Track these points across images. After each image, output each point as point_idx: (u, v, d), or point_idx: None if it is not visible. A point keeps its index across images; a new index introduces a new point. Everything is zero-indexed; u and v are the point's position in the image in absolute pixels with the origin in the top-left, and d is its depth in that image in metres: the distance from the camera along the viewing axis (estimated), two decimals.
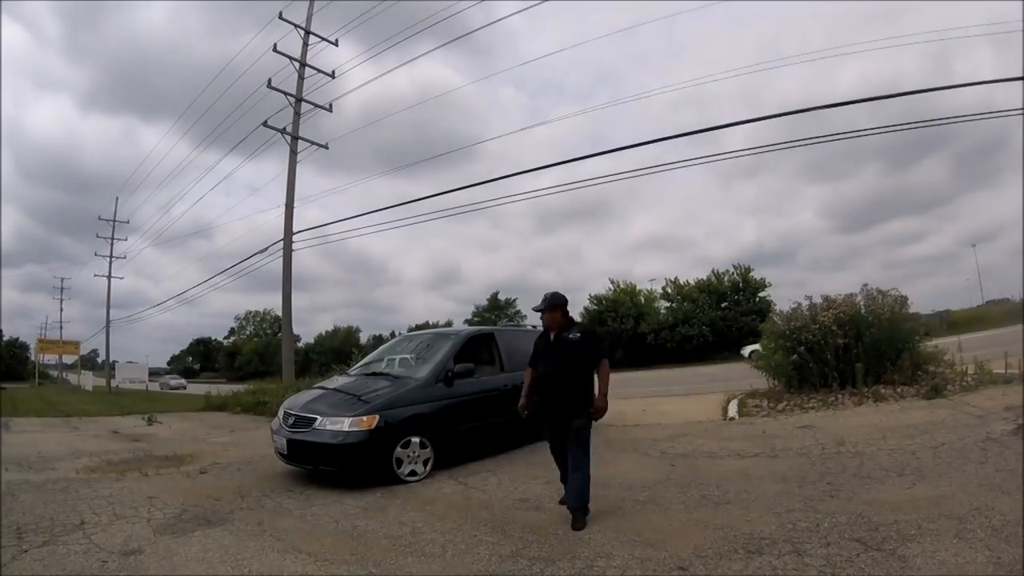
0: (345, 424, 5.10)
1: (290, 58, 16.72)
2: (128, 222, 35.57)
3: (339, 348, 47.45)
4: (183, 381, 43.53)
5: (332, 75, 17.57)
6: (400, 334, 16.62)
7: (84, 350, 49.95)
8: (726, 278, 36.11)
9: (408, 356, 6.88)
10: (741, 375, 10.16)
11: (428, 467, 5.36)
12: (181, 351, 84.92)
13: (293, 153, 16.79)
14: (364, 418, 5.12)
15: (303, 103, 16.94)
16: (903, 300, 8.44)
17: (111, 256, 35.05)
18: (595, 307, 37.63)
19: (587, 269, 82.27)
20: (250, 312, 73.86)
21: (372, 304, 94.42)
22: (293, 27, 16.82)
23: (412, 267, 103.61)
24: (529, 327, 8.61)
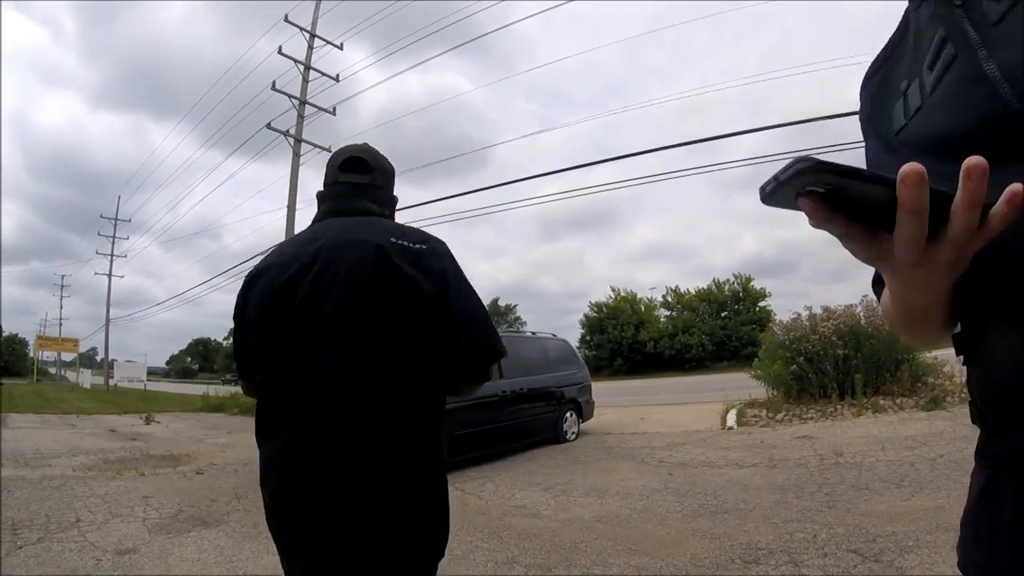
0: None
1: (294, 60, 16.81)
2: (130, 221, 35.73)
3: None
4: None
5: (336, 78, 17.66)
6: None
7: (83, 348, 50.07)
8: (726, 287, 36.15)
9: None
10: (740, 385, 10.14)
11: None
12: (180, 351, 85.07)
13: (296, 156, 16.86)
14: None
15: (307, 106, 17.03)
16: None
17: (112, 255, 35.14)
18: (595, 314, 37.65)
19: (589, 276, 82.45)
20: None
21: None
22: (299, 30, 16.93)
23: None
24: (528, 333, 8.63)
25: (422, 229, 1.20)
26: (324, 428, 1.05)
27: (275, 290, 1.11)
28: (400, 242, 1.11)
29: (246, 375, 1.23)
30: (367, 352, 1.07)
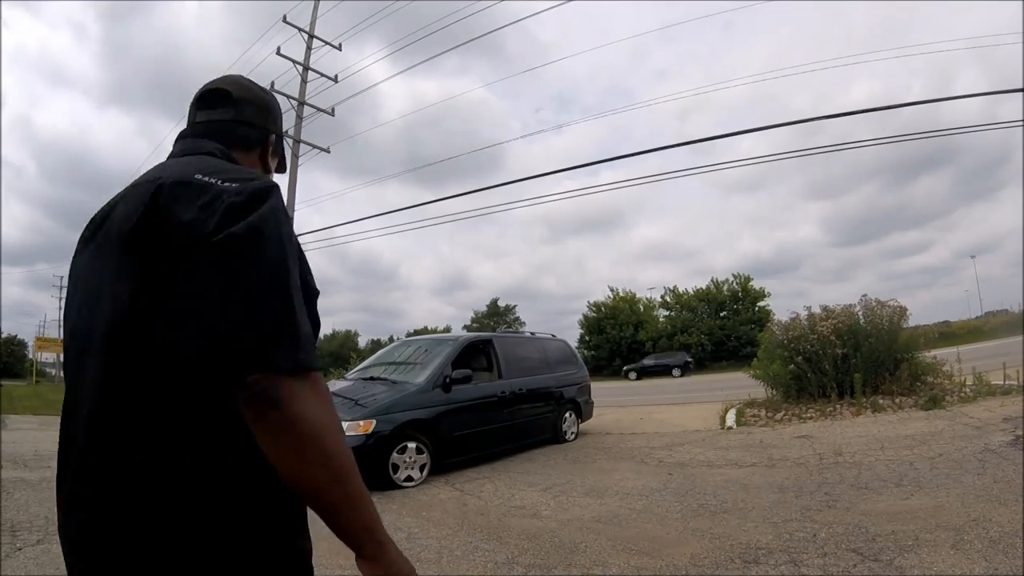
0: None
1: (293, 61, 16.81)
2: None
3: (337, 352, 47.39)
4: None
5: (335, 79, 17.66)
6: (398, 339, 16.65)
7: None
8: (725, 287, 36.15)
9: (406, 361, 6.89)
10: (739, 384, 10.15)
11: (424, 473, 5.35)
12: None
13: (295, 157, 16.85)
14: (361, 423, 5.11)
15: (306, 107, 17.03)
16: (902, 311, 8.46)
17: None
18: (594, 314, 37.65)
19: (589, 277, 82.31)
20: None
21: (378, 308, 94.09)
22: (297, 31, 16.93)
23: (421, 272, 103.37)
24: (528, 334, 8.62)
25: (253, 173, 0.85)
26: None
27: (75, 252, 0.88)
28: (204, 179, 0.76)
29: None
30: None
